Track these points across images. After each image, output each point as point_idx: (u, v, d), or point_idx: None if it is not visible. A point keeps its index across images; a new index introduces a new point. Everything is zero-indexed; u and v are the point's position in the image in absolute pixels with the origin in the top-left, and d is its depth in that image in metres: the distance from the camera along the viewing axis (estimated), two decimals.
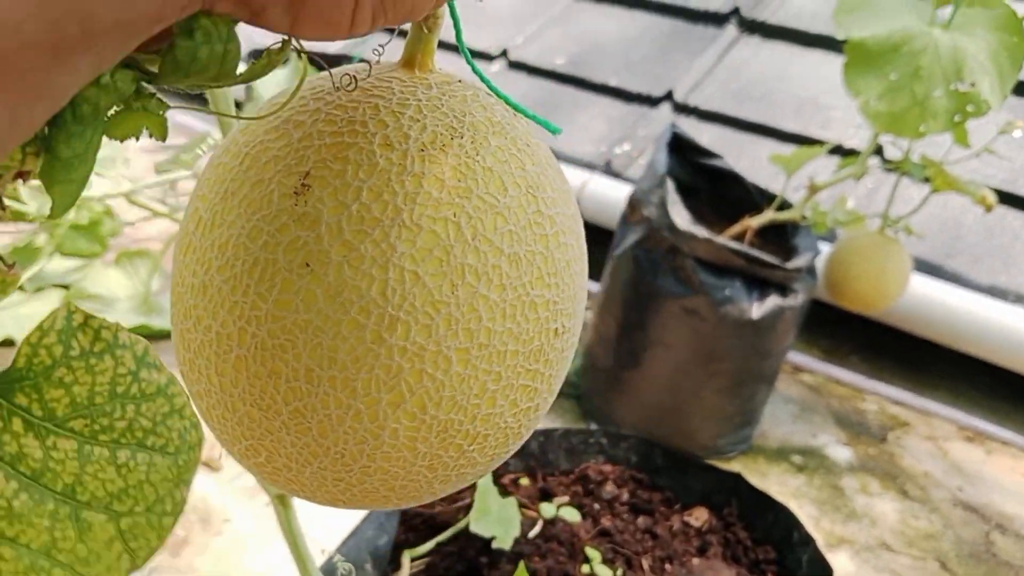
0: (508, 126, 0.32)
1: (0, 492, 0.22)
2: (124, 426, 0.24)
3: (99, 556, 0.23)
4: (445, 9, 0.34)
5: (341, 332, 0.28)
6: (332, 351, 0.28)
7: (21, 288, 1.59)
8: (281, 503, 0.56)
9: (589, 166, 2.08)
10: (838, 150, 1.93)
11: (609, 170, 2.06)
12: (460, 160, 0.30)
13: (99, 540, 0.23)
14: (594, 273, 1.99)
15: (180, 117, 2.71)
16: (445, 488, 0.33)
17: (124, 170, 1.65)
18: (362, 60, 0.35)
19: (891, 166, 1.40)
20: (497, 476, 0.86)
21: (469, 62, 0.35)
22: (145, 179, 1.66)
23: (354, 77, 0.33)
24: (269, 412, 0.29)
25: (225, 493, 1.22)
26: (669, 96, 2.22)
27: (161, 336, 1.51)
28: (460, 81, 0.34)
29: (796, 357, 1.77)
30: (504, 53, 2.49)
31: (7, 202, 1.51)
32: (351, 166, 0.29)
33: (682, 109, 2.20)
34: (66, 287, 1.64)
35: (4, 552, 0.21)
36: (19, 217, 1.60)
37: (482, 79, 0.34)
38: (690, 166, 1.53)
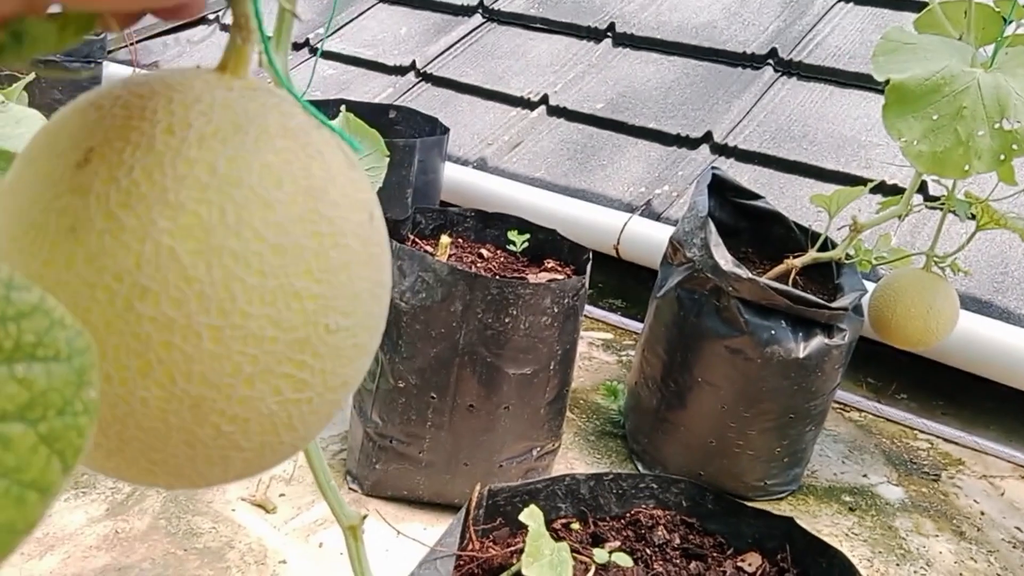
0: (304, 134, 0.34)
1: None
2: (12, 345, 0.25)
3: (29, 462, 0.24)
4: (255, 24, 0.36)
5: (96, 295, 0.30)
6: (86, 312, 0.30)
7: None
8: (352, 535, 0.58)
9: (629, 207, 2.10)
10: (880, 187, 1.93)
11: (649, 211, 2.08)
12: (237, 152, 0.31)
13: (23, 448, 0.24)
14: (637, 313, 2.01)
15: None
16: (212, 471, 0.34)
17: None
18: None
19: (935, 203, 1.40)
20: (548, 521, 0.87)
21: (271, 61, 0.36)
22: None
23: (157, 70, 0.36)
24: None
25: (280, 534, 1.24)
26: (708, 137, 2.24)
27: None
28: (269, 91, 0.35)
29: (844, 395, 1.76)
30: (544, 99, 2.53)
31: None
32: (131, 146, 0.31)
33: (721, 150, 2.22)
34: None
35: None
36: None
37: (285, 86, 0.36)
38: (731, 207, 1.54)
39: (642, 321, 1.57)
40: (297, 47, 3.08)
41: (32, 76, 1.72)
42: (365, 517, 0.60)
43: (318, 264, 0.32)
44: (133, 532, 1.21)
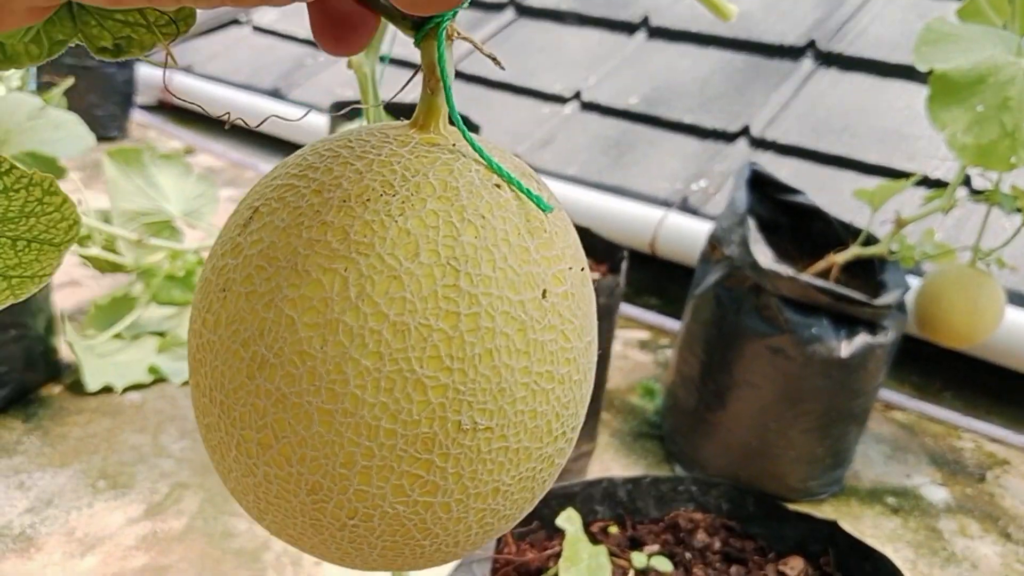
0: (468, 195, 0.30)
1: None
2: (26, 228, 0.31)
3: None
4: (441, 74, 0.33)
5: (229, 360, 0.29)
6: (222, 376, 0.29)
7: (119, 336, 1.65)
8: None
9: (665, 203, 2.08)
10: (924, 181, 1.88)
11: (686, 207, 2.05)
12: (377, 217, 0.29)
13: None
14: (673, 311, 1.98)
15: (263, 166, 2.81)
16: (348, 558, 0.32)
17: (214, 220, 1.72)
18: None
19: (980, 197, 1.36)
20: (585, 524, 0.86)
21: (453, 113, 0.33)
22: None
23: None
24: (199, 422, 0.33)
25: None
26: (745, 131, 2.21)
27: None
28: (455, 144, 0.33)
29: (888, 395, 1.72)
30: (577, 95, 2.51)
31: (105, 255, 1.59)
32: (283, 206, 0.30)
33: (759, 144, 2.18)
34: (162, 334, 1.70)
35: None
36: (117, 268, 1.67)
37: (463, 132, 0.33)
38: (770, 202, 1.51)
39: (679, 319, 1.55)
40: None
41: (71, 81, 1.73)
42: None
43: (450, 350, 0.28)
44: (171, 533, 1.22)
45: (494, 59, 0.34)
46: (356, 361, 0.28)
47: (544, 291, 0.31)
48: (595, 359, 0.34)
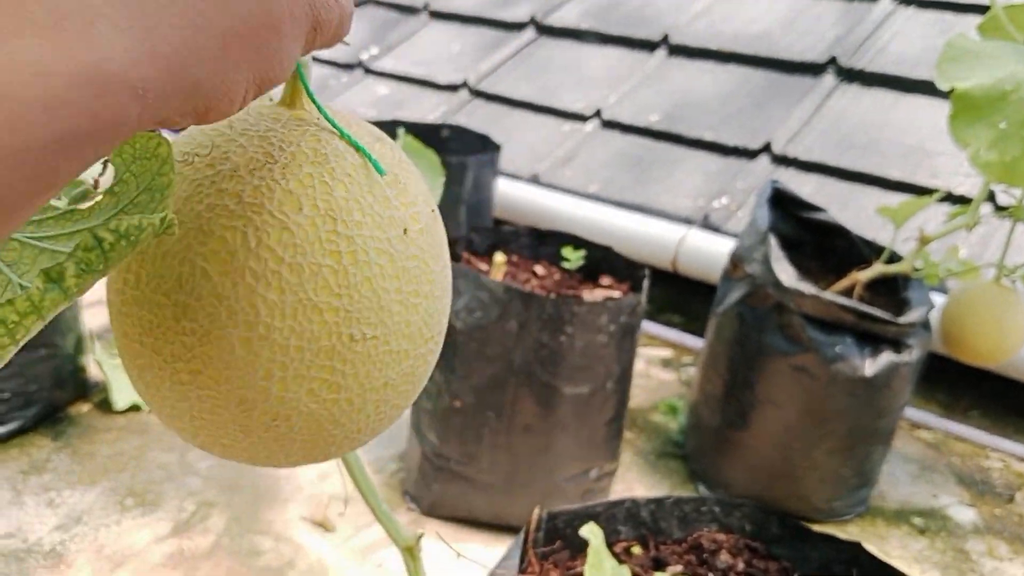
0: (335, 159, 0.36)
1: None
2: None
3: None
4: (307, 59, 0.38)
5: (155, 309, 0.35)
6: (150, 323, 0.35)
7: None
8: (410, 556, 0.58)
9: (687, 220, 2.08)
10: (947, 197, 1.87)
11: (707, 224, 2.05)
12: (263, 182, 0.34)
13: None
14: (696, 329, 1.98)
15: None
16: (276, 455, 0.38)
17: None
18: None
19: (1004, 213, 1.35)
20: (608, 544, 0.86)
21: (309, 93, 0.39)
22: None
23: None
24: (130, 365, 0.38)
25: (340, 554, 1.24)
26: (767, 148, 2.21)
27: None
28: (319, 120, 0.38)
29: (913, 414, 1.71)
30: (598, 113, 2.52)
31: None
32: (182, 180, 0.35)
33: (781, 160, 2.18)
34: None
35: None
36: None
37: (319, 109, 0.38)
38: (793, 220, 1.51)
39: (701, 337, 1.55)
40: (351, 67, 3.13)
41: None
42: (421, 536, 0.59)
43: (336, 280, 0.35)
44: (197, 550, 1.23)
45: (344, 43, 0.38)
46: (263, 296, 0.33)
47: (405, 229, 0.37)
48: (450, 278, 0.42)
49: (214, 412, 0.36)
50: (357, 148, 0.38)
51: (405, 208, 0.38)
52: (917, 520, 1.43)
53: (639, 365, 1.86)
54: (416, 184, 0.40)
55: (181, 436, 0.39)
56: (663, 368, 1.87)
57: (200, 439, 0.38)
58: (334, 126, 0.38)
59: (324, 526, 1.31)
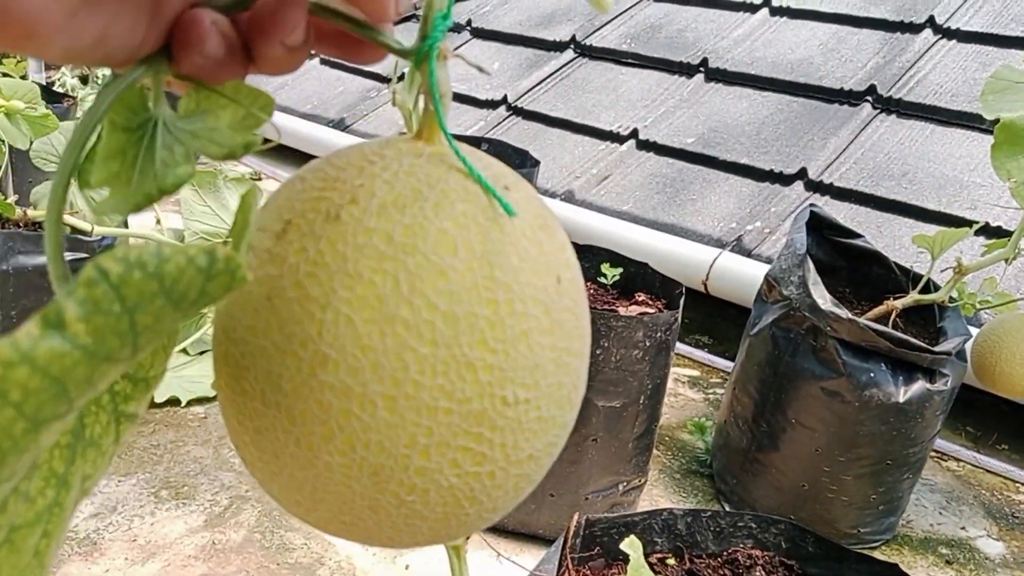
0: (483, 198, 0.33)
1: (121, 389, 0.31)
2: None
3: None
4: (449, 89, 0.37)
5: (285, 361, 0.31)
6: (278, 378, 0.31)
7: (185, 351, 1.70)
8: (455, 554, 0.59)
9: (719, 243, 2.09)
10: (984, 229, 1.87)
11: (739, 248, 2.06)
12: (415, 220, 0.32)
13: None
14: (725, 351, 1.99)
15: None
16: (400, 535, 0.34)
17: None
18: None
19: None
20: (644, 554, 0.87)
21: (442, 127, 0.36)
22: None
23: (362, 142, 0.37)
24: (242, 427, 0.34)
25: (368, 554, 1.26)
26: (802, 174, 2.21)
27: None
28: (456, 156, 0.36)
29: (943, 444, 1.70)
30: (634, 133, 2.54)
31: None
32: (320, 217, 0.32)
33: (816, 187, 2.18)
34: None
35: (121, 419, 0.32)
36: None
37: (449, 143, 0.36)
38: (829, 245, 1.52)
39: (730, 359, 1.56)
40: (391, 81, 3.17)
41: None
42: (468, 537, 0.61)
43: (493, 333, 0.31)
44: (229, 544, 1.25)
45: (480, 68, 0.38)
46: (415, 350, 0.30)
47: (558, 277, 0.34)
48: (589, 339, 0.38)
49: (341, 484, 0.32)
50: (485, 187, 0.34)
51: (555, 254, 0.35)
52: (944, 551, 1.42)
53: (668, 383, 1.86)
54: (560, 229, 0.37)
55: (290, 509, 0.35)
56: (691, 388, 1.88)
57: (316, 514, 0.34)
58: (464, 162, 0.35)
59: None
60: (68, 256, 1.47)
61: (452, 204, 0.32)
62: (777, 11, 2.84)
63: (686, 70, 2.73)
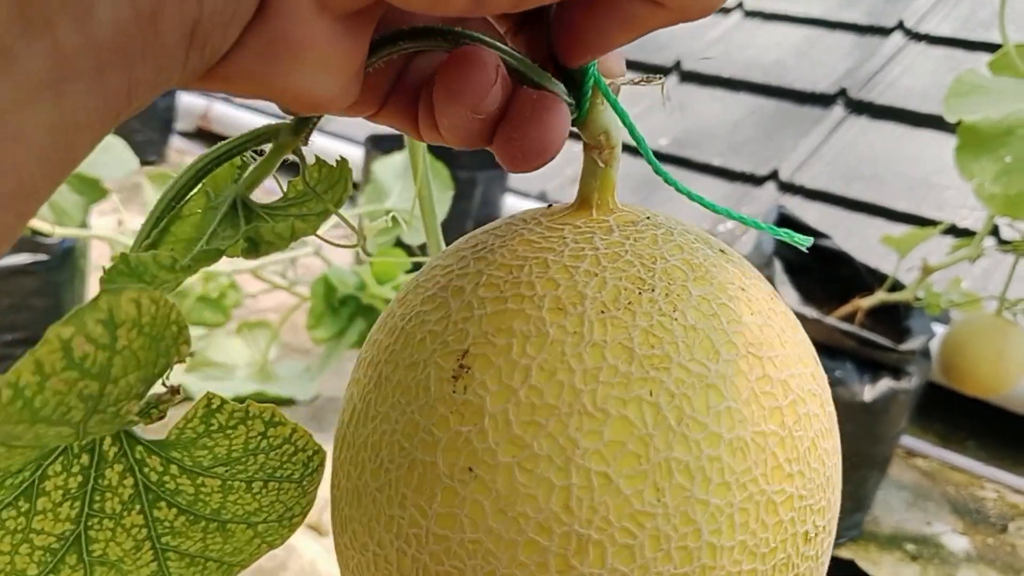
0: (714, 267, 0.27)
1: (164, 516, 0.28)
2: (256, 468, 0.28)
3: (241, 550, 0.29)
4: (617, 138, 0.29)
5: (518, 558, 0.22)
6: (507, 572, 0.23)
7: None
8: None
9: None
10: (952, 230, 1.89)
11: None
12: (652, 320, 0.24)
13: (241, 540, 0.29)
14: None
15: None
16: None
17: None
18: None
19: (1008, 247, 1.37)
20: None
21: (653, 164, 0.29)
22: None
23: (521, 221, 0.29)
24: None
25: (332, 558, 1.25)
26: (774, 175, 2.23)
27: (278, 403, 1.57)
28: (648, 217, 0.29)
29: (910, 442, 1.72)
30: None
31: None
32: (516, 339, 0.24)
33: (788, 188, 2.20)
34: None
35: (171, 556, 0.28)
36: None
37: (676, 187, 0.29)
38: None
39: None
40: None
41: None
42: None
43: (785, 452, 0.24)
44: None
45: (661, 86, 0.31)
46: (704, 502, 0.22)
47: (812, 354, 0.28)
48: None
49: None
50: (750, 223, 0.27)
51: (796, 331, 0.28)
52: (910, 547, 1.44)
53: None
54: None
55: None
56: None
57: None
58: (693, 196, 0.28)
59: (317, 530, 1.32)
60: (28, 258, 1.46)
61: (685, 288, 0.25)
62: (751, 14, 2.86)
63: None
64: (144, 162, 3.08)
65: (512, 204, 2.25)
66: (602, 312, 0.24)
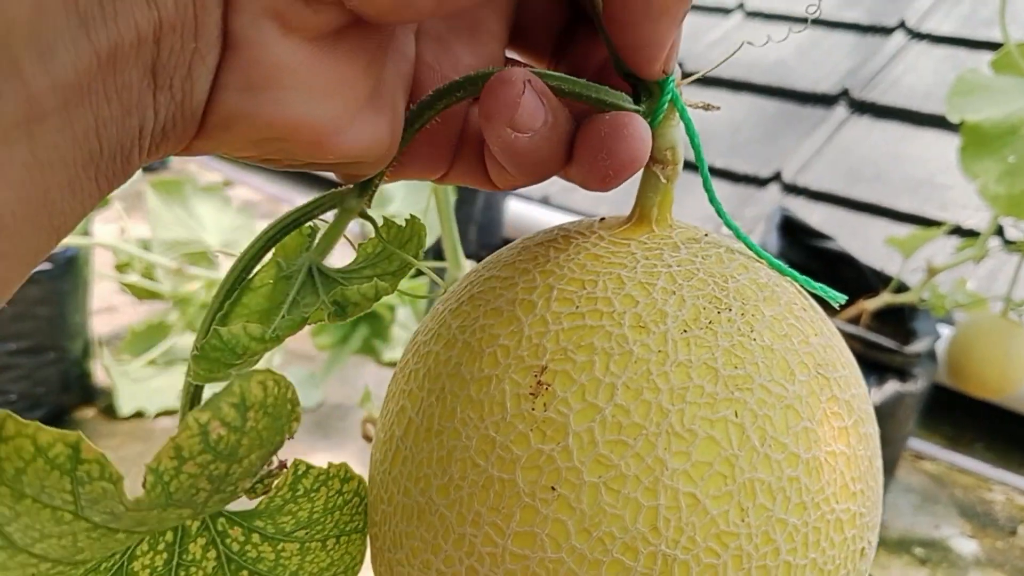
0: (777, 288, 0.27)
1: None
2: (332, 525, 0.29)
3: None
4: (681, 154, 0.29)
5: (597, 569, 0.22)
6: None
7: (153, 362, 1.68)
8: None
9: None
10: (956, 230, 1.88)
11: None
12: (733, 340, 0.24)
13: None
14: None
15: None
16: None
17: None
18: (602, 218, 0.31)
19: (1013, 247, 1.36)
20: None
21: (717, 207, 0.28)
22: None
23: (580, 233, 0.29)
24: None
25: None
26: (777, 177, 2.22)
27: None
28: (707, 235, 0.29)
29: (917, 444, 1.71)
30: None
31: (143, 282, 1.62)
32: (599, 356, 0.24)
33: (791, 189, 2.19)
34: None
35: None
36: (154, 296, 1.71)
37: (732, 228, 0.28)
38: (801, 247, 1.52)
39: None
40: None
41: None
42: None
43: (851, 472, 0.25)
44: None
45: (706, 106, 0.31)
46: (783, 522, 0.23)
47: (862, 378, 0.28)
48: None
49: None
50: (788, 273, 0.28)
51: (845, 343, 0.29)
52: (919, 550, 1.42)
53: None
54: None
55: None
56: None
57: None
58: (742, 238, 0.28)
59: None
60: None
61: (757, 307, 0.25)
62: (752, 14, 2.85)
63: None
64: (148, 169, 3.09)
65: (515, 208, 2.24)
66: (684, 331, 0.24)
